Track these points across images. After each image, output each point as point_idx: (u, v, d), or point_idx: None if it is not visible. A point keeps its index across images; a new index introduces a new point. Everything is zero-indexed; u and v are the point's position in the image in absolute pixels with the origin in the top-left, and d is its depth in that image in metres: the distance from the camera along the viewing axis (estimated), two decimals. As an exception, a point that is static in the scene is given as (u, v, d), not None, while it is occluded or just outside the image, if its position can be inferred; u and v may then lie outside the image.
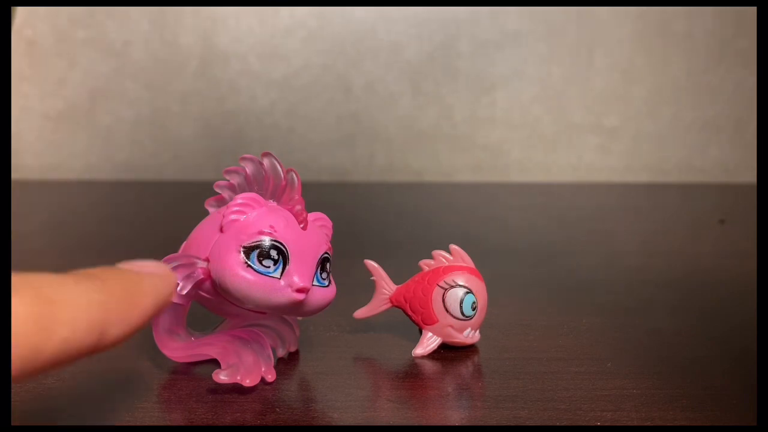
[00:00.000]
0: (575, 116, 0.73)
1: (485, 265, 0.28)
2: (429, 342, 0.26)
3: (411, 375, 0.25)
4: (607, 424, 0.21)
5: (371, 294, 0.27)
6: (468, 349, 0.27)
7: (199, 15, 0.69)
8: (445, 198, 0.65)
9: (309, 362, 0.26)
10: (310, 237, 0.23)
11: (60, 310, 0.12)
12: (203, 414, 0.21)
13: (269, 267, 0.21)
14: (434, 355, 0.26)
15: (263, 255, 0.21)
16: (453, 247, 0.27)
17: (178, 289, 0.22)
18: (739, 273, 0.39)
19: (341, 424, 0.21)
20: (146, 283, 0.14)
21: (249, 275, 0.21)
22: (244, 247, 0.21)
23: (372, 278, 0.28)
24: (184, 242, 0.24)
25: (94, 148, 0.70)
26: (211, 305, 0.24)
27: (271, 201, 0.23)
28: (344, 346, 0.27)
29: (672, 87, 0.73)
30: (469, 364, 0.26)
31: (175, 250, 0.24)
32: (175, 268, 0.22)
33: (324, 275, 0.23)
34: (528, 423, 0.21)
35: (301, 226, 0.23)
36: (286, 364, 0.25)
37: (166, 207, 0.59)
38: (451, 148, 0.72)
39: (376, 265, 0.27)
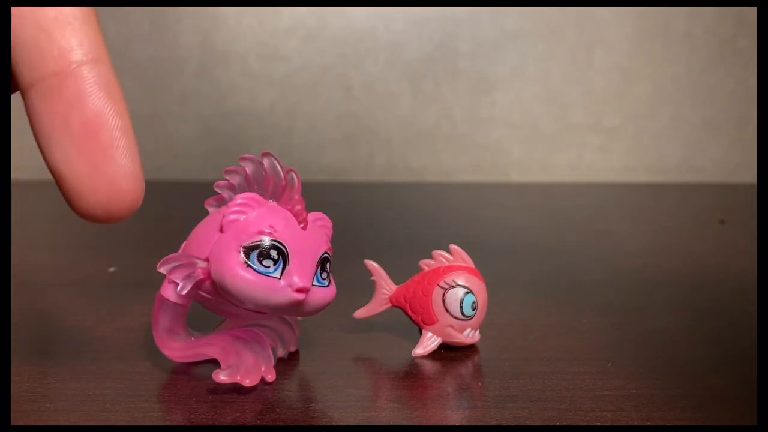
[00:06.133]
0: (575, 116, 0.73)
1: (485, 265, 0.28)
2: (429, 342, 0.26)
3: (411, 375, 0.25)
4: (607, 424, 0.21)
5: (371, 294, 0.27)
6: (468, 349, 0.27)
7: (199, 15, 0.69)
8: (445, 198, 0.65)
9: (309, 362, 0.26)
10: (310, 237, 0.23)
11: None
12: (203, 414, 0.21)
13: (269, 267, 0.21)
14: (434, 355, 0.26)
15: (263, 255, 0.21)
16: (453, 247, 0.27)
17: (178, 289, 0.22)
18: (739, 273, 0.39)
19: (341, 424, 0.21)
20: None
21: (249, 275, 0.21)
22: (244, 247, 0.21)
23: (372, 278, 0.28)
24: (184, 242, 0.24)
25: (94, 148, 0.70)
26: (211, 305, 0.24)
27: (271, 201, 0.23)
28: (344, 346, 0.27)
29: (672, 87, 0.73)
30: (469, 364, 0.26)
31: (175, 250, 0.24)
32: (175, 268, 0.22)
33: (324, 275, 0.23)
34: (528, 423, 0.21)
35: (301, 226, 0.23)
36: (286, 364, 0.25)
37: (166, 207, 0.59)
38: (451, 148, 0.72)
39: (375, 265, 0.27)
